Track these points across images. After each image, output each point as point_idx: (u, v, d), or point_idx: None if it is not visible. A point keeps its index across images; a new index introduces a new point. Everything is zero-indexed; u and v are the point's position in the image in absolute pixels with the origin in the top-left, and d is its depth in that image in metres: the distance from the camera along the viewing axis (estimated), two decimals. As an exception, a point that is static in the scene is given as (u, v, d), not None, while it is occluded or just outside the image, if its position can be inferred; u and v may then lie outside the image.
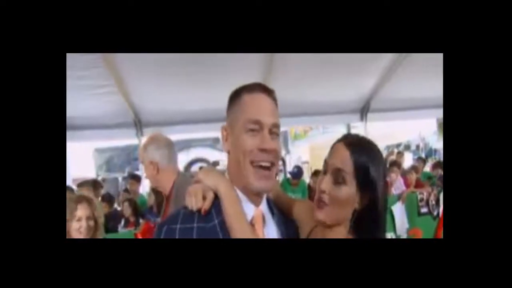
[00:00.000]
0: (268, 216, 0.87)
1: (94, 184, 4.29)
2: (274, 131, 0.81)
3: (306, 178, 5.53)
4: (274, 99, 0.85)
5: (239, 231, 0.77)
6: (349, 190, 0.80)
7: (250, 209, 0.82)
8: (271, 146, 0.79)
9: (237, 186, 0.83)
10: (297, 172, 4.77)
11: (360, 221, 0.81)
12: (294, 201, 1.00)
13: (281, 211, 0.93)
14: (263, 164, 0.79)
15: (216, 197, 0.81)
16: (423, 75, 4.52)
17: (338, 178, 0.80)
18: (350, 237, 0.82)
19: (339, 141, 0.84)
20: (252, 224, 0.81)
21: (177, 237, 0.77)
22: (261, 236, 0.81)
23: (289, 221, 0.93)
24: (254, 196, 0.83)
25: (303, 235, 0.90)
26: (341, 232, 0.83)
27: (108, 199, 4.11)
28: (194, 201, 0.80)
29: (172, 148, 1.70)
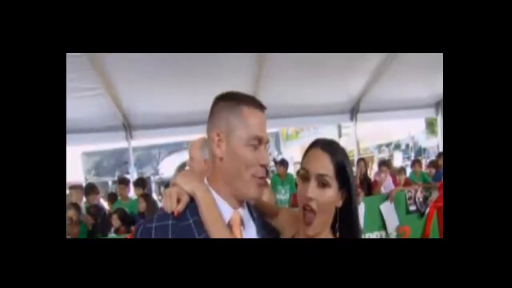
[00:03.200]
0: (248, 219, 0.89)
1: (88, 189, 4.25)
2: (267, 146, 0.88)
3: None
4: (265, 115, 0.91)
5: (216, 234, 0.79)
6: (333, 191, 0.85)
7: (227, 212, 0.85)
8: (268, 162, 0.87)
9: (218, 190, 0.86)
10: (282, 161, 5.57)
11: (340, 218, 0.88)
12: (276, 209, 1.03)
13: (262, 217, 0.96)
14: (261, 176, 0.85)
15: (192, 200, 0.84)
16: (411, 76, 4.61)
17: (322, 182, 0.85)
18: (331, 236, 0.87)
19: (312, 147, 0.89)
20: (229, 226, 0.84)
21: (153, 235, 0.80)
22: (238, 238, 0.84)
23: (270, 226, 0.96)
24: (234, 201, 0.86)
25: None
26: (322, 235, 0.87)
27: (95, 212, 3.96)
28: (169, 204, 0.83)
29: None
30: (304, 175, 0.86)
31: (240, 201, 0.87)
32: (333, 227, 0.89)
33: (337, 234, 0.88)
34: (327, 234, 0.88)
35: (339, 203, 0.87)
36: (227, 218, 0.84)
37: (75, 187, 4.15)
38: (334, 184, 0.85)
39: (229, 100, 0.85)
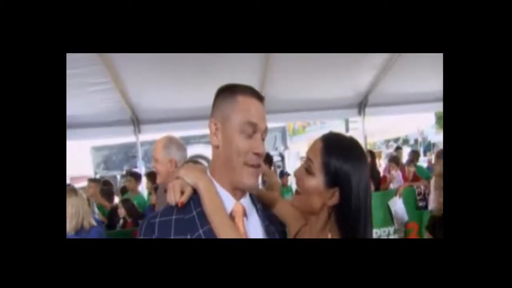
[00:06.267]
0: (251, 210, 0.90)
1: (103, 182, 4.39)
2: (264, 136, 0.86)
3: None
4: (264, 106, 0.89)
5: (219, 224, 0.80)
6: (316, 182, 0.82)
7: (230, 203, 0.86)
8: (263, 151, 0.84)
9: (219, 181, 0.87)
10: (283, 173, 6.05)
11: (338, 218, 0.83)
12: (280, 200, 1.03)
13: (266, 208, 0.96)
14: (254, 164, 0.85)
15: (195, 192, 0.86)
16: (420, 69, 4.52)
17: (308, 168, 0.83)
18: (330, 233, 0.84)
19: (319, 137, 0.87)
20: (232, 217, 0.84)
21: (156, 230, 0.81)
22: (241, 228, 0.85)
23: (274, 217, 0.96)
24: (236, 191, 0.87)
25: (291, 235, 0.93)
26: (319, 227, 0.85)
27: (107, 193, 4.10)
28: (173, 196, 0.85)
29: (186, 150, 1.97)
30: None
31: (241, 191, 0.87)
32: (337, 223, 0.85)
33: (329, 236, 0.84)
34: (320, 227, 0.85)
35: (328, 202, 0.82)
36: (229, 209, 0.85)
37: (94, 180, 4.28)
38: (318, 175, 0.82)
39: (226, 91, 0.87)
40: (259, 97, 0.87)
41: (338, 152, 0.81)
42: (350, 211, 0.80)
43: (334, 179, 0.80)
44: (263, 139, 0.86)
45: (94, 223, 2.26)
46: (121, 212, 3.67)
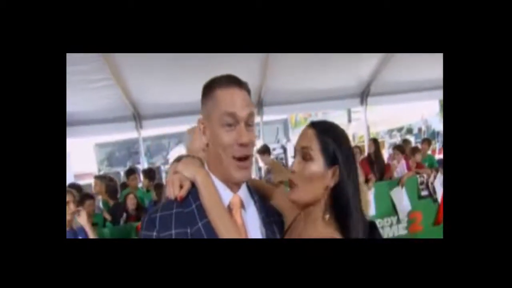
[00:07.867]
0: (248, 202, 0.90)
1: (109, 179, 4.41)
2: (249, 122, 0.84)
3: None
4: (247, 91, 0.87)
5: (217, 217, 0.81)
6: (317, 166, 0.82)
7: (227, 196, 0.86)
8: (248, 140, 0.82)
9: (215, 175, 0.87)
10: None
11: (334, 200, 0.83)
12: (278, 192, 1.03)
13: (263, 199, 0.96)
14: (242, 157, 0.83)
15: (193, 185, 0.87)
16: (423, 56, 4.46)
17: (305, 156, 0.83)
18: (327, 220, 0.83)
19: (306, 126, 0.87)
20: (229, 209, 0.85)
21: (157, 224, 0.82)
22: (239, 220, 0.86)
23: (272, 208, 0.96)
24: (232, 184, 0.87)
25: (287, 223, 0.94)
26: (318, 215, 0.84)
27: (112, 191, 4.13)
28: (172, 190, 0.86)
29: None
30: (294, 152, 0.87)
31: (236, 184, 0.87)
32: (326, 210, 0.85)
33: (327, 217, 0.84)
34: (319, 215, 0.85)
35: (330, 182, 0.83)
36: (227, 201, 0.86)
37: (100, 177, 4.31)
38: (318, 158, 0.82)
39: (207, 87, 0.87)
40: (239, 83, 0.85)
41: (331, 132, 0.83)
42: (342, 191, 0.82)
43: (333, 157, 0.82)
44: (249, 126, 0.84)
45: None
46: (132, 204, 3.66)
